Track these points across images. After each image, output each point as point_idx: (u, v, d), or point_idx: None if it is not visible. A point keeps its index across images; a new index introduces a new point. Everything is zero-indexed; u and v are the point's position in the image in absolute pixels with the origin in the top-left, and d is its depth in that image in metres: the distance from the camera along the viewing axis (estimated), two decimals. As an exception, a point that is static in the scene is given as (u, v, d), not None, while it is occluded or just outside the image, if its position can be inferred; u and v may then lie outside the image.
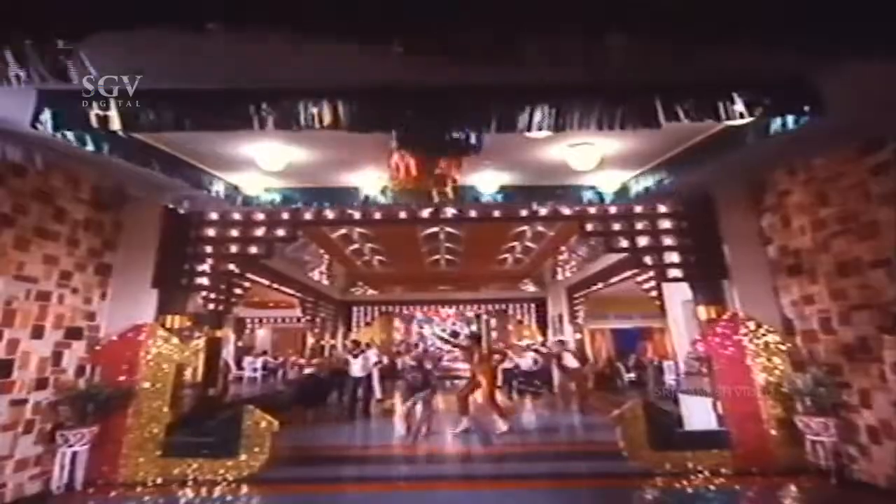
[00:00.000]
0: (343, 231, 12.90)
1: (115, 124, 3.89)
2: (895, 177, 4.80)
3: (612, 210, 7.33)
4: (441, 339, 21.74)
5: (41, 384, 5.55)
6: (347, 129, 3.97)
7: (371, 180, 6.12)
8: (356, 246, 14.63)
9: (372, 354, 11.44)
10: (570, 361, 11.63)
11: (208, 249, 7.23)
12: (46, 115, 3.87)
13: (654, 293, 10.51)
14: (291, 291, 13.91)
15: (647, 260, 7.40)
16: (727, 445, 5.89)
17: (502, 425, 8.28)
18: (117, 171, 5.49)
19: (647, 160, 5.76)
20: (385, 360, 13.37)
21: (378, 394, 12.19)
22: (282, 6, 2.97)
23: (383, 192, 6.28)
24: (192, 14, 2.93)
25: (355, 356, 10.82)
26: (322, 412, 10.54)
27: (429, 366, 9.17)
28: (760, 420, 5.96)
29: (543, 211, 7.34)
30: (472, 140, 4.19)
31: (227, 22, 2.94)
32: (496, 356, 10.16)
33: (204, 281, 7.22)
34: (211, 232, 7.30)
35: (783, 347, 6.18)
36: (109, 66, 3.14)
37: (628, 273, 10.59)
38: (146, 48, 3.11)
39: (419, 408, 8.15)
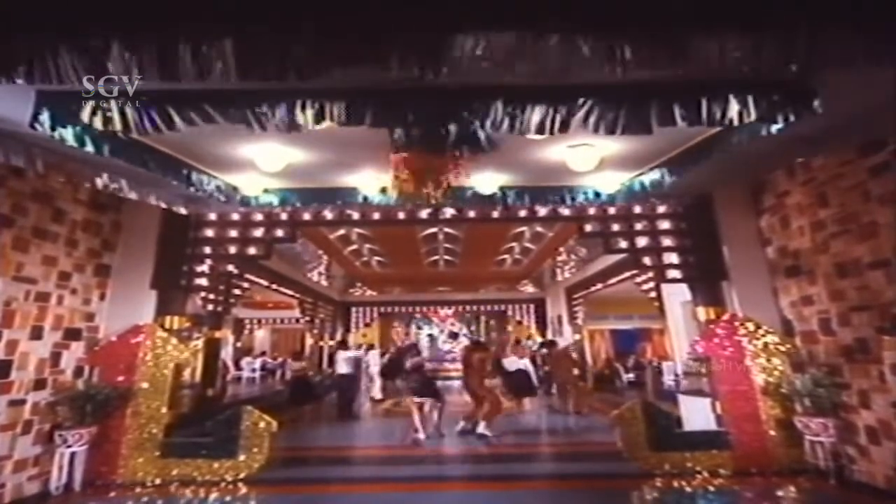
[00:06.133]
0: (342, 232, 12.90)
1: (115, 125, 3.88)
2: (894, 178, 4.80)
3: (612, 211, 7.34)
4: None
5: (40, 385, 5.55)
6: (345, 125, 3.98)
7: (370, 181, 6.12)
8: (355, 247, 14.61)
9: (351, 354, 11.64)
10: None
11: (207, 250, 7.23)
12: (45, 116, 3.86)
13: (653, 294, 10.54)
14: (290, 292, 13.90)
15: (647, 261, 7.41)
16: (726, 446, 5.90)
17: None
18: (117, 171, 5.48)
19: (646, 161, 5.77)
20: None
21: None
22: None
23: (383, 192, 6.28)
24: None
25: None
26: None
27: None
28: (759, 421, 5.97)
29: (543, 211, 7.34)
30: (483, 138, 4.19)
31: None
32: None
33: (203, 282, 7.22)
34: (210, 233, 7.30)
35: (782, 348, 6.18)
36: (109, 67, 3.12)
37: (627, 274, 10.61)
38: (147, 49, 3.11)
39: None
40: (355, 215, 7.51)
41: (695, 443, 5.96)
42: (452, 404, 11.73)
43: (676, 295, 9.44)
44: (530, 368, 11.94)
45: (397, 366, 9.54)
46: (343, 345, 11.85)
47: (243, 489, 5.56)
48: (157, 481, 5.74)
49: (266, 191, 6.43)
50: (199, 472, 5.81)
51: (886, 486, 4.98)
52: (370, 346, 14.33)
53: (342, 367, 11.14)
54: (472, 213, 7.40)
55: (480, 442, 7.72)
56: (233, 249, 7.32)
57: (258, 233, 7.39)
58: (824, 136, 4.84)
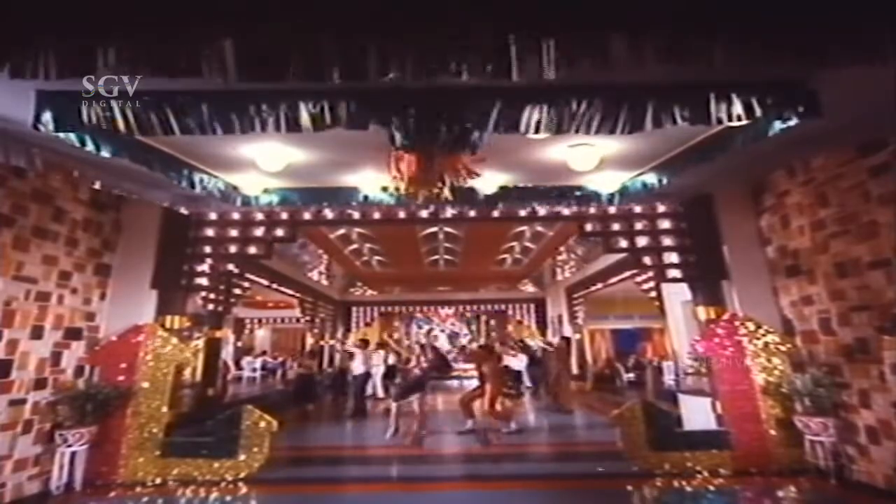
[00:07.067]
0: (342, 231, 12.92)
1: (116, 125, 3.88)
2: (894, 178, 4.81)
3: (612, 210, 7.34)
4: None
5: (40, 384, 5.56)
6: (346, 128, 3.99)
7: (370, 181, 6.12)
8: (355, 246, 14.64)
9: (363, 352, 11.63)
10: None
11: (207, 250, 7.23)
12: (48, 116, 3.86)
13: (653, 294, 10.54)
14: (291, 292, 13.93)
15: (647, 260, 7.41)
16: (726, 446, 5.89)
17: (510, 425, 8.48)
18: (117, 171, 5.49)
19: (646, 161, 5.76)
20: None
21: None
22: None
23: (384, 191, 6.28)
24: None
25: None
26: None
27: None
28: (760, 420, 5.97)
29: (543, 211, 7.34)
30: (474, 137, 4.18)
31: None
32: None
33: (203, 281, 7.22)
34: (210, 232, 7.30)
35: (782, 348, 6.18)
36: (110, 67, 3.12)
37: (628, 273, 10.63)
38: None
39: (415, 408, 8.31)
40: (356, 215, 7.51)
41: (695, 442, 5.96)
42: (453, 404, 11.78)
43: (677, 294, 9.44)
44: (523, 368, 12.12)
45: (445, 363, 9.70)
46: (365, 344, 11.89)
47: (244, 489, 5.57)
48: (158, 481, 5.75)
49: (266, 190, 6.43)
50: (199, 471, 5.81)
51: (886, 486, 4.98)
52: (380, 345, 14.47)
53: (360, 367, 11.14)
54: (472, 213, 7.39)
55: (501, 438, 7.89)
56: (233, 249, 7.31)
57: (258, 232, 7.40)
58: (824, 136, 4.85)
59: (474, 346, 11.38)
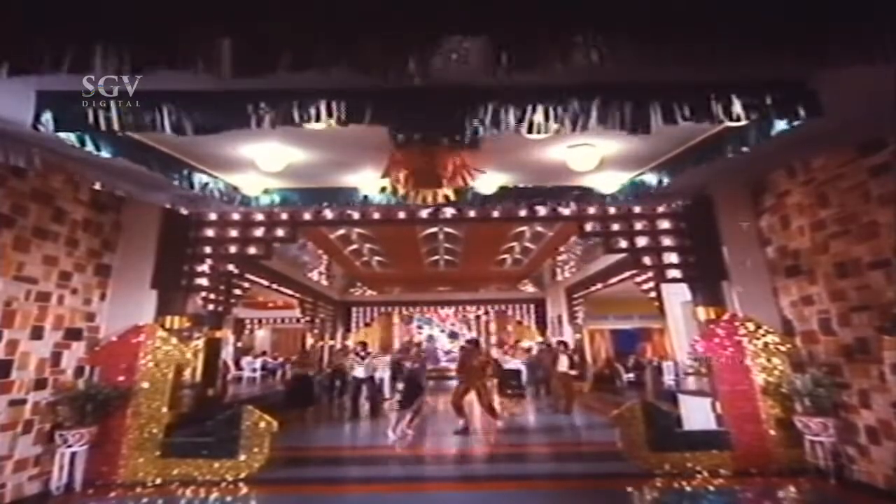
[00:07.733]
0: (342, 231, 12.92)
1: (115, 125, 3.89)
2: (894, 178, 4.81)
3: (612, 211, 7.35)
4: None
5: (40, 384, 5.56)
6: (344, 125, 4.00)
7: (370, 181, 6.12)
8: (355, 246, 14.64)
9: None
10: (563, 365, 11.47)
11: (207, 250, 7.23)
12: (48, 116, 3.86)
13: (653, 294, 10.54)
14: (290, 292, 13.93)
15: (647, 260, 7.42)
16: (726, 446, 5.89)
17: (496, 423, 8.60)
18: (116, 171, 5.49)
19: (646, 161, 5.77)
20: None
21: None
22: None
23: (383, 192, 6.28)
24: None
25: None
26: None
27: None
28: (759, 420, 5.97)
29: (543, 211, 7.34)
30: (474, 137, 4.19)
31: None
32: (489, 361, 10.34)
33: (203, 282, 7.22)
34: (210, 232, 7.30)
35: (782, 348, 6.18)
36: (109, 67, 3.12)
37: (627, 274, 10.62)
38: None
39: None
40: (355, 215, 7.52)
41: (695, 443, 5.96)
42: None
43: (676, 295, 9.44)
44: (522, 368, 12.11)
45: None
46: (364, 348, 11.97)
47: (244, 489, 5.56)
48: (158, 481, 5.74)
49: (266, 191, 6.43)
50: (199, 472, 5.80)
51: (886, 486, 4.98)
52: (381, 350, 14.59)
53: (363, 371, 11.17)
54: (472, 213, 7.40)
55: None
56: (233, 249, 7.31)
57: (258, 233, 7.40)
58: (824, 136, 4.85)
59: (464, 342, 11.39)
